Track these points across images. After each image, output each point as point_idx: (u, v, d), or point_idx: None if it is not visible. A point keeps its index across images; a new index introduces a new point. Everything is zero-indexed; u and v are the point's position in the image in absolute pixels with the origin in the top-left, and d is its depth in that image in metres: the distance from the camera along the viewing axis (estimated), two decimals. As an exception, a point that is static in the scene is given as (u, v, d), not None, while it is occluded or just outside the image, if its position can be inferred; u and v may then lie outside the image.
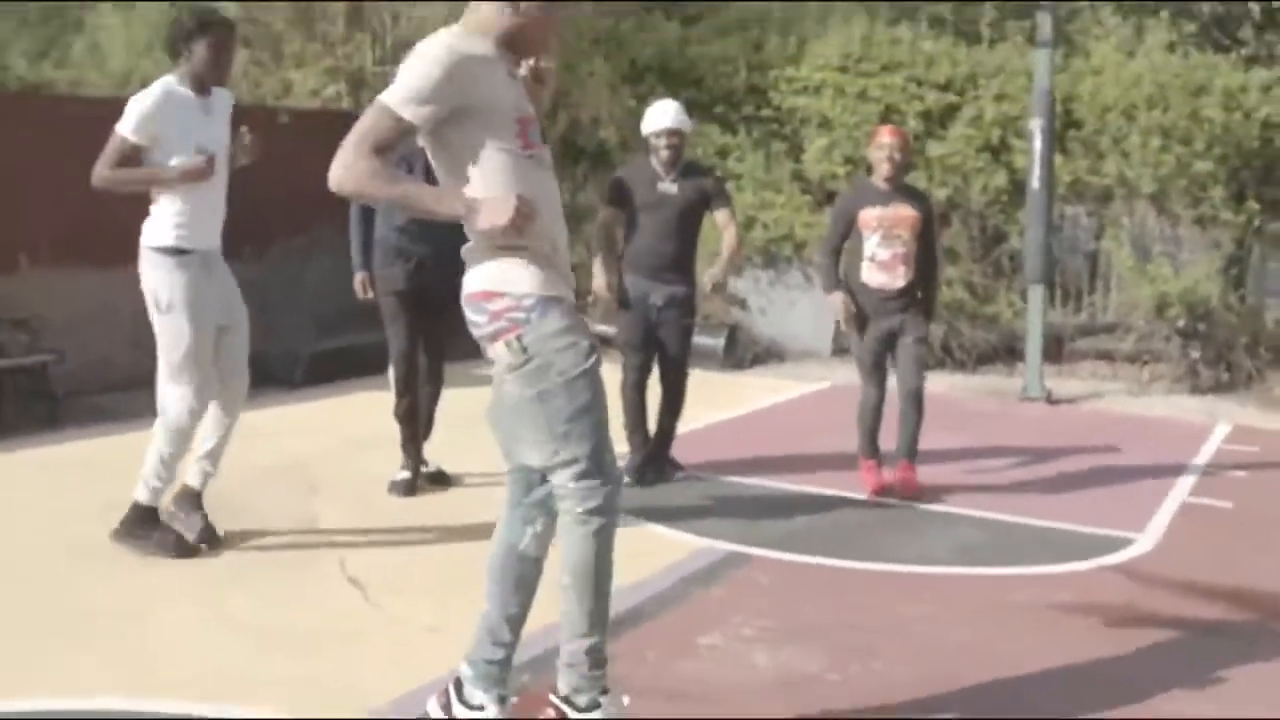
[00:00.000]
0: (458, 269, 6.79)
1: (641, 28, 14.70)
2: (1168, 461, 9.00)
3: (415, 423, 7.45)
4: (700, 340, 12.81)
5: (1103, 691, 4.95)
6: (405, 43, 13.35)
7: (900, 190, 7.68)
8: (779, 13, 15.39)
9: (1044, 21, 11.48)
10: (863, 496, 7.71)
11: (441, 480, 7.61)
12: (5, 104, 11.19)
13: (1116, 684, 5.04)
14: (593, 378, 3.98)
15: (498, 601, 4.31)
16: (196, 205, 6.10)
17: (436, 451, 7.66)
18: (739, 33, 14.73)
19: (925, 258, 7.66)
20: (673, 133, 7.69)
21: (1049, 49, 11.44)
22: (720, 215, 7.87)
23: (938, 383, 11.89)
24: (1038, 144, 11.23)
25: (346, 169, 3.79)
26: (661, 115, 7.75)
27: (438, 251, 7.06)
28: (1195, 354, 12.18)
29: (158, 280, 6.05)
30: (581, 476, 3.99)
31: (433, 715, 4.34)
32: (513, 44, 4.03)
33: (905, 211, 7.60)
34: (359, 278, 7.47)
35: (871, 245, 7.58)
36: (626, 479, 7.40)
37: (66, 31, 16.57)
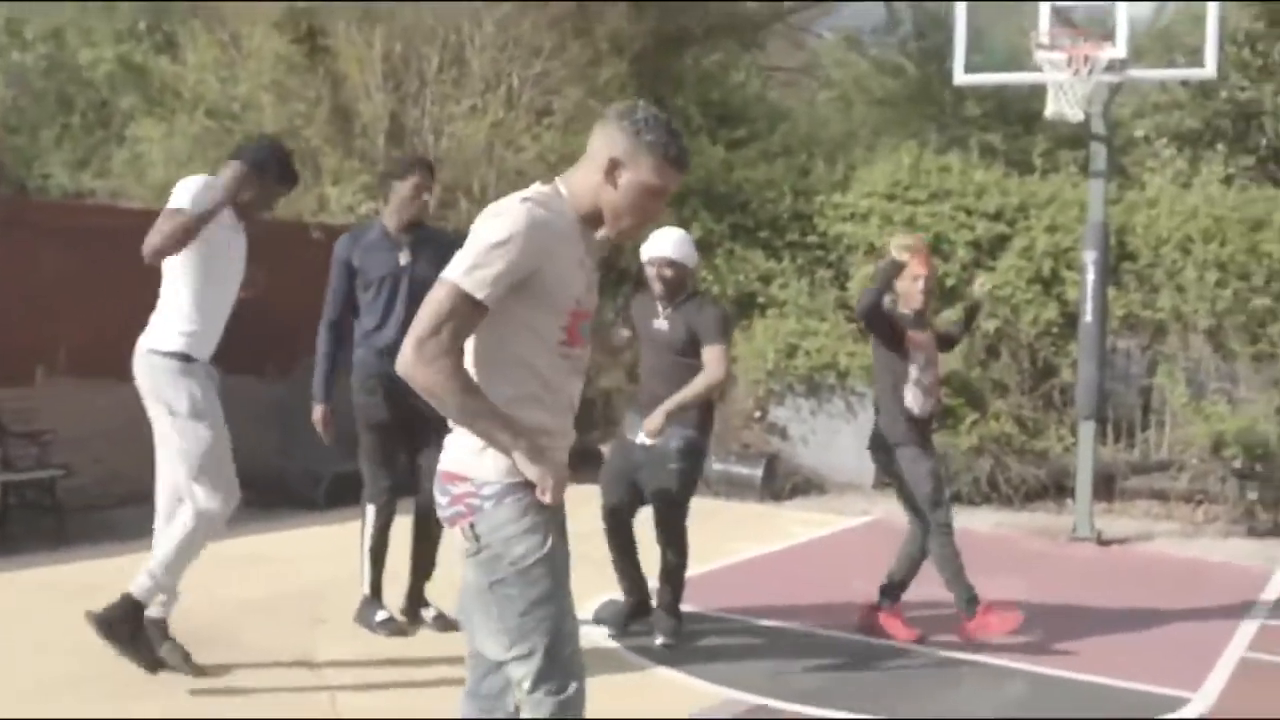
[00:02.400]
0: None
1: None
2: (1224, 611, 8.53)
3: (383, 562, 7.03)
4: (738, 470, 12.58)
5: None
6: (446, 159, 13.30)
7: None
8: (826, 139, 15.22)
9: (1098, 152, 11.21)
10: (898, 644, 7.28)
11: (440, 626, 7.03)
12: (38, 213, 11.08)
13: None
14: (552, 566, 3.61)
15: None
16: (209, 316, 5.94)
17: (440, 588, 7.24)
18: (785, 158, 14.57)
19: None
20: (668, 263, 6.91)
21: (1103, 179, 11.17)
22: (707, 352, 6.82)
23: (984, 519, 11.52)
24: (1090, 276, 10.92)
25: (427, 364, 3.45)
26: (657, 243, 6.99)
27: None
28: (1253, 495, 11.73)
29: (168, 385, 5.85)
30: (535, 679, 3.59)
31: None
32: (599, 220, 3.70)
33: (918, 336, 7.32)
34: (320, 411, 6.85)
35: (915, 370, 7.23)
36: (608, 630, 7.03)
37: (109, 142, 16.59)
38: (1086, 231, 11.20)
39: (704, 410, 7.02)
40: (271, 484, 6.07)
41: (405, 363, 3.47)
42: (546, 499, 3.54)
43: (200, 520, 5.85)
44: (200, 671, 5.95)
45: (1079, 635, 7.75)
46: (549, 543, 3.60)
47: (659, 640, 6.96)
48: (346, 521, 9.34)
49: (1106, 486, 12.18)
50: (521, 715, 3.66)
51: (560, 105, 14.09)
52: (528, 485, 3.56)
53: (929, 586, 7.40)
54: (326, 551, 8.56)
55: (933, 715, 6.12)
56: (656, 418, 6.64)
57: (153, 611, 5.95)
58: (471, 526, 3.58)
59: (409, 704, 5.87)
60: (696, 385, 6.75)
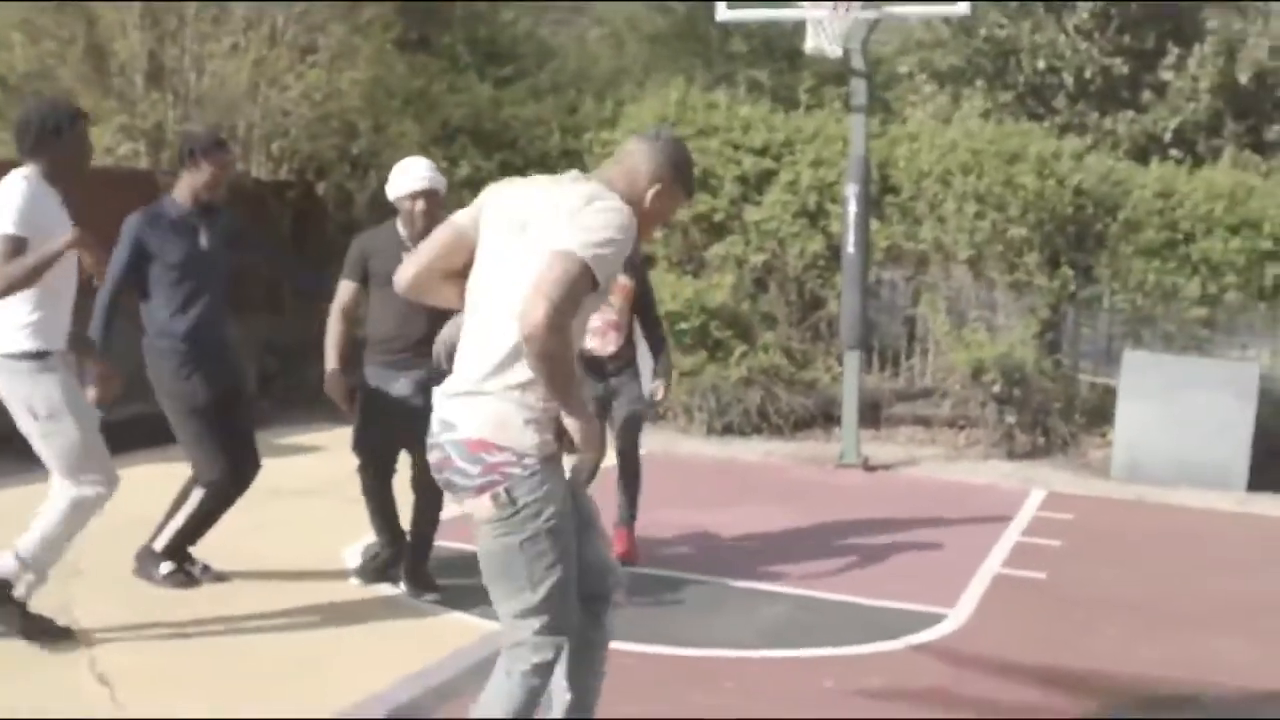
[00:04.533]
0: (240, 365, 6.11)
1: (453, 89, 14.37)
2: (982, 531, 8.82)
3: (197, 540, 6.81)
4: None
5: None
6: (207, 99, 12.91)
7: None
8: (597, 76, 15.19)
9: (858, 88, 11.38)
10: (664, 572, 7.34)
11: (207, 577, 6.81)
12: None
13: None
14: (569, 526, 3.91)
15: None
16: (53, 302, 5.61)
17: (226, 531, 7.05)
18: (554, 95, 14.48)
19: (644, 323, 7.43)
20: (431, 194, 6.56)
21: (864, 114, 11.34)
22: None
23: (754, 449, 11.67)
24: (852, 209, 11.09)
25: (557, 331, 3.60)
26: (411, 175, 6.59)
27: (223, 344, 6.70)
28: (1011, 419, 12.10)
29: (24, 387, 5.58)
30: (544, 630, 3.89)
31: None
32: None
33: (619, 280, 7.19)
34: (101, 369, 6.27)
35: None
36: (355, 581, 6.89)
37: None
38: (849, 165, 11.37)
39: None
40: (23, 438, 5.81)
41: (537, 326, 3.55)
42: (593, 454, 3.88)
43: (76, 507, 5.66)
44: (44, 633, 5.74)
45: (844, 559, 7.92)
46: (568, 504, 3.87)
47: (413, 593, 6.81)
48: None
49: (873, 414, 12.44)
50: (528, 659, 3.89)
51: (325, 43, 13.76)
52: (553, 456, 3.80)
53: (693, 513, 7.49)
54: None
55: (698, 641, 6.18)
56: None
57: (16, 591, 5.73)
58: (507, 491, 3.74)
59: (170, 660, 5.73)
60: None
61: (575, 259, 3.62)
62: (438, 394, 3.94)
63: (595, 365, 7.26)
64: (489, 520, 3.79)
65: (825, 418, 12.58)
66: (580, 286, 3.63)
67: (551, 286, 3.58)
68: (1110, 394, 12.05)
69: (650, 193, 3.95)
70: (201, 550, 6.78)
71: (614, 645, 5.30)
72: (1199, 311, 12.60)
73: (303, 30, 13.64)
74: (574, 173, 4.02)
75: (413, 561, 6.79)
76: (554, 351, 3.59)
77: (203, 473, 6.64)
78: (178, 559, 6.75)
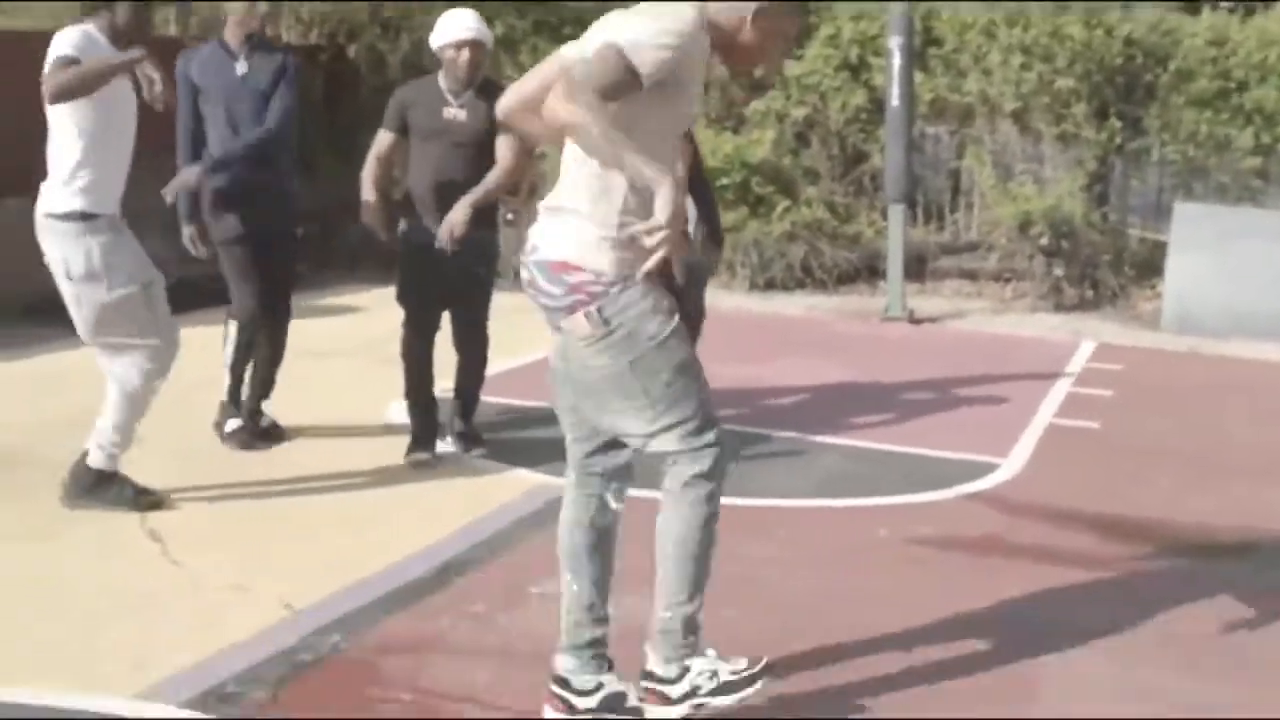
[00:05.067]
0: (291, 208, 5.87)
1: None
2: (1033, 382, 8.71)
3: (243, 377, 6.81)
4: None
5: (967, 636, 4.60)
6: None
7: None
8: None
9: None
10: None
11: (275, 435, 6.84)
12: None
13: (981, 626, 4.69)
14: (683, 337, 3.74)
15: (586, 579, 3.96)
16: (108, 165, 5.51)
17: (281, 390, 6.98)
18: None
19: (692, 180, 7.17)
20: (473, 44, 6.31)
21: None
22: (501, 142, 6.34)
23: (798, 304, 11.56)
24: (896, 61, 10.85)
25: (573, 101, 3.44)
26: (458, 24, 6.35)
27: (269, 193, 6.60)
28: (1059, 272, 11.93)
29: (68, 248, 5.46)
30: (691, 435, 3.72)
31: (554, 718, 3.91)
32: (723, 52, 3.76)
33: None
34: (189, 232, 6.66)
35: None
36: (416, 455, 6.53)
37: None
38: (891, 18, 11.10)
39: (492, 208, 6.69)
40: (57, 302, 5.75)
41: (553, 99, 3.50)
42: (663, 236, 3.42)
43: (129, 397, 5.59)
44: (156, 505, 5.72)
45: (894, 411, 7.84)
46: (675, 317, 3.69)
47: (462, 449, 6.72)
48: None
49: (918, 268, 12.28)
50: (686, 474, 3.75)
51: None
52: (635, 276, 3.61)
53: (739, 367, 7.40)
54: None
55: (750, 491, 6.10)
56: (459, 215, 6.22)
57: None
58: (599, 310, 3.62)
59: (219, 518, 5.71)
60: (497, 177, 6.37)
61: (615, 48, 3.46)
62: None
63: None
64: (587, 339, 3.68)
65: (870, 272, 12.43)
66: (615, 72, 3.45)
67: (582, 69, 3.48)
68: (1160, 248, 11.86)
69: (758, 21, 3.67)
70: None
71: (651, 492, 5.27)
72: (1252, 162, 12.33)
73: None
74: None
75: (460, 418, 6.75)
76: (574, 118, 3.43)
77: (234, 304, 6.73)
78: (249, 413, 6.78)
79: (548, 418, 7.27)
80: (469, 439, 6.72)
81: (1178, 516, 6.10)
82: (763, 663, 3.81)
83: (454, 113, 6.39)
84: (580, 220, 3.64)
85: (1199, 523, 6.03)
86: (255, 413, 6.81)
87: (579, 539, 3.98)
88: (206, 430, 6.76)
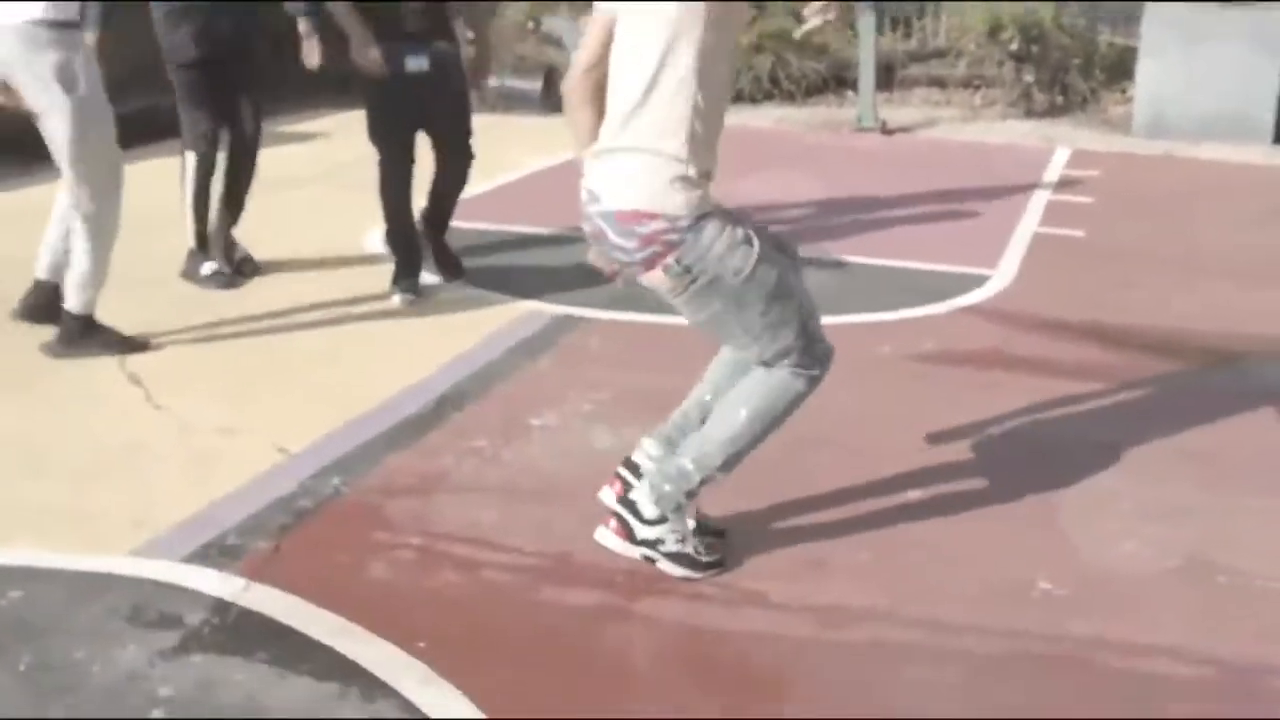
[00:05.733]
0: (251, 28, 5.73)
1: None
2: (1013, 190, 8.57)
3: (206, 214, 6.50)
4: (515, 84, 12.11)
5: (982, 455, 4.53)
6: None
7: None
8: None
9: None
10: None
11: (249, 270, 6.62)
12: None
13: (994, 445, 4.62)
14: (769, 259, 3.51)
15: (748, 435, 3.68)
16: None
17: (251, 221, 6.72)
18: None
19: None
20: None
21: None
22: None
23: (766, 115, 11.34)
24: None
25: None
26: None
27: (230, 11, 6.25)
28: (1029, 77, 11.76)
29: (59, 58, 5.09)
30: (799, 362, 3.61)
31: (610, 545, 3.72)
32: None
33: None
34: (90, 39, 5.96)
35: None
36: (398, 297, 6.20)
37: None
38: None
39: (446, 17, 6.30)
40: (23, 134, 5.47)
41: None
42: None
43: (96, 234, 5.34)
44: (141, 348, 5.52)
45: (879, 224, 7.71)
46: (757, 242, 3.49)
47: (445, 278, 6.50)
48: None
49: (886, 77, 12.06)
50: (772, 393, 3.62)
51: None
52: (713, 213, 3.46)
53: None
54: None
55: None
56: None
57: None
58: (678, 261, 3.43)
59: (200, 359, 5.52)
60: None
61: None
62: (586, 155, 3.60)
63: None
64: (671, 291, 3.51)
65: (837, 82, 12.22)
66: None
67: None
68: (1129, 52, 11.66)
69: None
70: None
71: (667, 318, 5.15)
72: (1223, -42, 12.07)
73: None
74: None
75: (434, 241, 6.52)
76: None
77: (186, 135, 6.38)
78: (220, 252, 6.52)
79: (526, 242, 7.21)
80: (448, 266, 6.51)
81: (1170, 321, 6.02)
82: (722, 564, 3.72)
83: None
84: (646, 159, 3.42)
85: (1191, 327, 5.95)
86: (230, 245, 6.57)
87: (726, 354, 3.84)
88: (175, 271, 6.51)
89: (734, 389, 3.71)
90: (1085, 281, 6.65)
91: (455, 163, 6.39)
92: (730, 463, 3.67)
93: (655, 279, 3.48)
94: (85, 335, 5.43)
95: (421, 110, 6.11)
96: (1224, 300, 6.40)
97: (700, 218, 3.42)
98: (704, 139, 3.44)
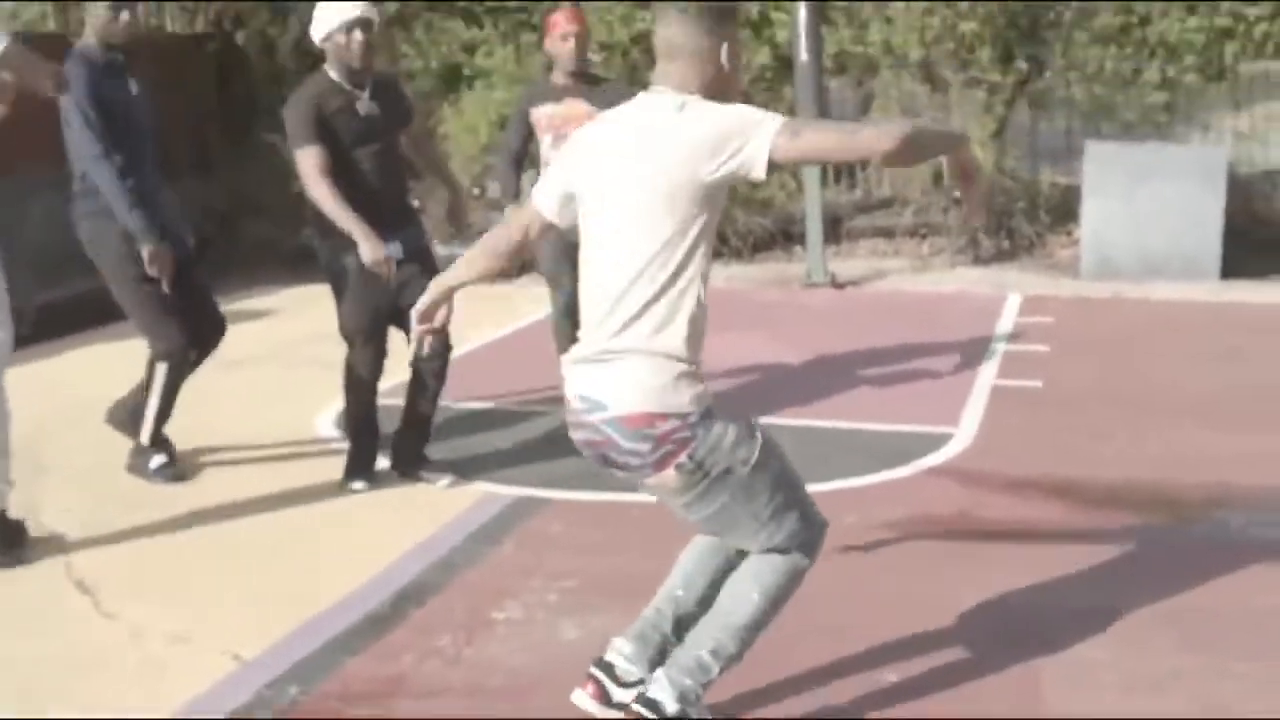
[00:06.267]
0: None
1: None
2: (967, 342, 8.53)
3: (169, 417, 6.33)
4: (464, 250, 12.03)
5: (958, 628, 4.41)
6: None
7: (582, 82, 6.69)
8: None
9: (795, -115, 10.83)
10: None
11: (186, 458, 6.44)
12: None
13: (971, 616, 4.50)
14: (772, 445, 3.55)
15: (686, 572, 3.77)
16: None
17: (181, 405, 6.57)
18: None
19: None
20: (363, 23, 5.74)
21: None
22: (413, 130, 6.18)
23: (716, 274, 11.26)
24: (802, 15, 10.62)
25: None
26: (343, 6, 5.73)
27: (163, 203, 6.16)
28: (975, 223, 11.79)
29: None
30: (803, 542, 3.63)
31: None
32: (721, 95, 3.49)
33: (580, 108, 6.49)
34: (153, 251, 5.93)
35: (545, 149, 6.69)
36: (358, 484, 6.03)
37: None
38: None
39: (406, 201, 6.15)
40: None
41: (879, 140, 3.27)
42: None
43: None
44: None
45: (834, 384, 7.63)
46: (758, 431, 3.52)
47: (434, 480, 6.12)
48: (58, 355, 8.58)
49: (833, 229, 12.04)
50: (780, 572, 3.61)
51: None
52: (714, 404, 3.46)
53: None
54: (34, 392, 7.79)
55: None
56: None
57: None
58: (690, 457, 3.38)
59: (150, 560, 5.35)
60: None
61: (774, 122, 3.26)
62: (565, 362, 3.53)
63: None
64: (680, 490, 3.44)
65: (784, 236, 12.21)
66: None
67: (810, 127, 3.37)
68: (1073, 191, 11.72)
69: (728, 61, 3.45)
70: (177, 425, 6.37)
71: (629, 496, 5.03)
72: (1158, 96, 12.24)
73: None
74: (643, 99, 3.49)
75: (410, 445, 6.17)
76: (900, 137, 3.25)
77: (157, 344, 6.17)
78: (166, 448, 6.34)
79: (479, 418, 7.09)
80: (416, 463, 6.16)
81: (1141, 473, 5.95)
82: None
83: (367, 107, 5.82)
84: (648, 359, 3.36)
85: (1163, 478, 5.87)
86: (165, 438, 6.39)
87: (705, 542, 3.81)
88: (115, 463, 6.34)
89: (739, 574, 3.65)
90: (1049, 434, 6.58)
91: (424, 373, 6.06)
92: (745, 648, 3.60)
93: (665, 479, 3.40)
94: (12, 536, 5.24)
95: (395, 300, 5.83)
96: (1195, 447, 6.34)
97: (707, 410, 3.38)
98: (701, 329, 3.41)
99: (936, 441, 6.45)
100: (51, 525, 5.62)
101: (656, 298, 3.35)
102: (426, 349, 4.11)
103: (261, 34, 12.82)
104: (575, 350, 3.51)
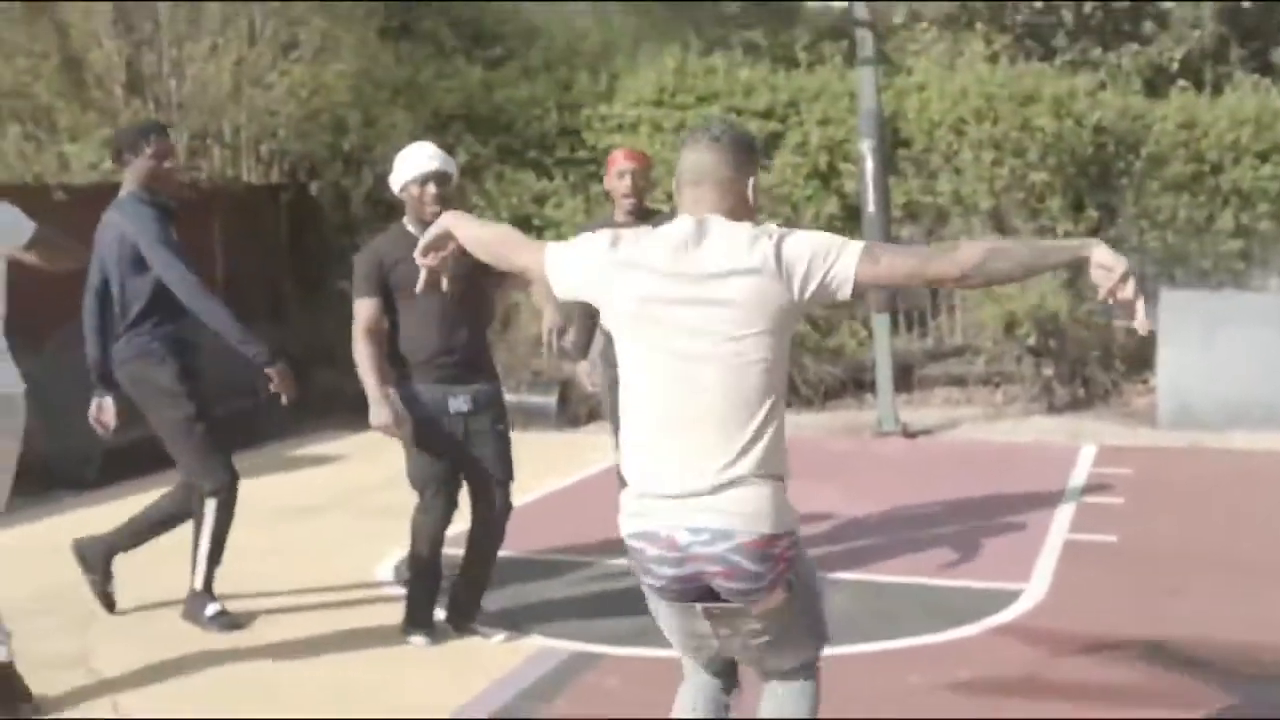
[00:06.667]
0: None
1: (442, 75, 13.87)
2: (1040, 494, 8.37)
3: (220, 559, 6.26)
4: (531, 399, 12.08)
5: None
6: (190, 104, 12.47)
7: (640, 220, 6.71)
8: (587, 50, 14.72)
9: (864, 40, 10.94)
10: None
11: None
12: None
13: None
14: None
15: None
16: None
17: (245, 552, 6.54)
18: (546, 73, 13.99)
19: None
20: (444, 177, 5.81)
21: (872, 66, 10.89)
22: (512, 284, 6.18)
23: (787, 423, 11.21)
24: (869, 165, 10.65)
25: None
26: (418, 158, 5.79)
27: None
28: (1048, 371, 11.69)
29: None
30: (817, 660, 3.72)
31: None
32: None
33: None
34: (101, 403, 6.10)
35: None
36: (418, 638, 5.89)
37: None
38: (861, 119, 10.95)
39: (488, 353, 6.12)
40: (34, 467, 5.38)
41: (965, 261, 3.31)
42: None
43: None
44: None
45: (902, 536, 7.49)
46: None
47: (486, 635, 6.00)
48: (123, 499, 8.56)
49: (904, 377, 11.99)
50: (810, 696, 3.66)
51: (306, 37, 13.29)
52: None
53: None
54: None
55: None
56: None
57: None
58: (795, 574, 3.44)
59: (201, 708, 5.27)
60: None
61: (861, 244, 3.36)
62: (655, 499, 3.41)
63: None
64: (777, 613, 3.43)
65: (855, 385, 12.14)
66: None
67: (888, 252, 3.41)
68: (1147, 339, 11.59)
69: (749, 189, 3.49)
70: (233, 574, 6.33)
71: (670, 654, 4.88)
72: (1234, 244, 12.15)
73: (282, 25, 13.17)
74: (692, 232, 3.42)
75: (466, 598, 6.06)
76: (984, 254, 3.31)
77: (206, 481, 6.15)
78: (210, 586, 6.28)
79: (550, 569, 6.99)
80: (470, 616, 6.04)
81: (1221, 633, 5.74)
82: None
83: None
84: (769, 483, 3.34)
85: (1245, 639, 5.67)
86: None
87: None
88: (168, 609, 6.29)
89: (775, 711, 3.63)
90: (1124, 591, 6.39)
91: (485, 528, 5.98)
92: None
93: (775, 600, 3.39)
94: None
95: (465, 455, 5.83)
96: (1278, 607, 6.12)
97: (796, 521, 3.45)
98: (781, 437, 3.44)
99: (1006, 598, 6.27)
100: (101, 671, 5.56)
101: (770, 423, 3.35)
102: (422, 285, 4.04)
103: (335, 185, 13.00)
104: (667, 485, 3.37)
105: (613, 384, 6.27)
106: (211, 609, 6.22)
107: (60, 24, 12.73)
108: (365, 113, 13.08)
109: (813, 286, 3.29)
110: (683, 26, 17.67)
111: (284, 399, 6.08)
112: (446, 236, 3.86)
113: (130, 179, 6.17)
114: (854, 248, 3.30)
